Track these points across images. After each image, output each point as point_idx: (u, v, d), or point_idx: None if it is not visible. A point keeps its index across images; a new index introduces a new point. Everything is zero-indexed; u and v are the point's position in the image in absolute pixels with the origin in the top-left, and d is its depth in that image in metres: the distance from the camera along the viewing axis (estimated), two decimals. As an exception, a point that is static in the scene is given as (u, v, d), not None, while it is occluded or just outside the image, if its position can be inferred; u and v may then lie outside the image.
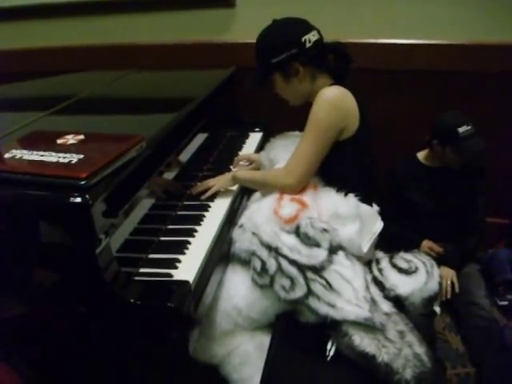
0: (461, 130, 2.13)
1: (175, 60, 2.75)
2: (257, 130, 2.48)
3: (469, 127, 2.13)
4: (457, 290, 2.14)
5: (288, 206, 1.59)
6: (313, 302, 1.42)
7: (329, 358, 1.43)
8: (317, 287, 1.43)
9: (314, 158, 1.65)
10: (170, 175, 1.76)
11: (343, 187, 1.65)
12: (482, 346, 1.97)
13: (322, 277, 1.45)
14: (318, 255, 1.48)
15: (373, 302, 1.46)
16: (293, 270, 1.44)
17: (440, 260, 2.02)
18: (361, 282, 1.50)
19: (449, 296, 2.12)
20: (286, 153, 1.77)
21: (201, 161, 2.06)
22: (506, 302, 2.20)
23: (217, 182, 1.79)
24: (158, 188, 1.65)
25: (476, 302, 2.07)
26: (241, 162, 2.07)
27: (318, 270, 1.46)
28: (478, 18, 2.39)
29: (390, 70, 2.50)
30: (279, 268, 1.45)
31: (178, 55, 2.75)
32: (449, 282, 2.15)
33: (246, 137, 2.41)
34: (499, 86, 2.43)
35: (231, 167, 2.04)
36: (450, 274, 2.17)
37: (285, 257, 1.47)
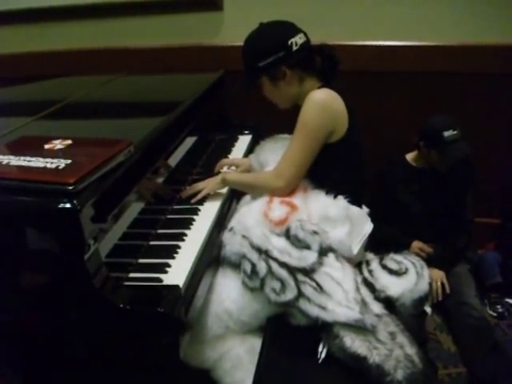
0: (446, 134, 2.14)
1: (164, 63, 2.76)
2: (246, 132, 2.47)
3: (455, 132, 2.14)
4: (447, 290, 2.15)
5: (278, 209, 1.59)
6: (303, 305, 1.42)
7: (320, 361, 1.43)
8: (307, 289, 1.43)
9: (304, 161, 1.65)
10: (159, 179, 1.75)
11: (333, 189, 1.65)
12: (473, 345, 1.98)
13: (312, 279, 1.45)
14: (308, 257, 1.48)
15: (363, 303, 1.46)
16: (283, 273, 1.44)
17: (430, 261, 2.02)
18: (351, 283, 1.50)
19: (440, 298, 2.13)
20: (275, 155, 1.76)
21: (190, 164, 2.06)
22: (500, 309, 2.23)
23: (206, 185, 1.78)
24: (148, 192, 1.64)
25: (467, 301, 2.08)
26: (224, 168, 2.05)
27: (308, 272, 1.46)
28: (465, 19, 2.42)
29: (377, 72, 2.51)
30: (269, 271, 1.45)
31: (167, 58, 2.76)
32: (439, 283, 2.15)
33: (236, 140, 2.40)
34: (486, 87, 2.45)
35: (221, 171, 2.03)
36: (439, 275, 2.18)
37: (275, 259, 1.47)
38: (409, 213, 2.33)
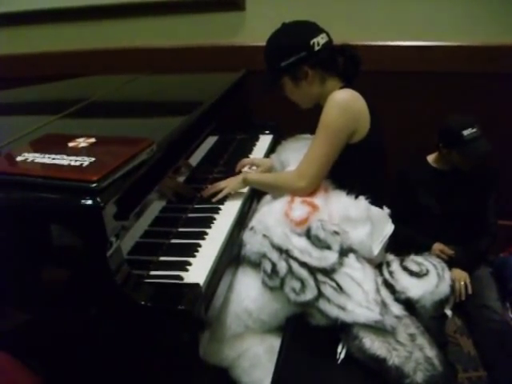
0: (465, 132, 2.12)
1: (186, 63, 2.77)
2: (267, 132, 2.48)
3: (474, 130, 2.12)
4: (470, 291, 2.12)
5: (299, 209, 1.59)
6: (323, 305, 1.42)
7: (339, 361, 1.43)
8: (327, 290, 1.43)
9: (325, 161, 1.65)
10: (180, 178, 1.77)
11: (354, 190, 1.65)
12: (495, 350, 1.95)
13: (332, 279, 1.45)
14: (329, 258, 1.48)
15: (383, 304, 1.46)
16: (303, 273, 1.44)
17: (451, 263, 2.00)
18: (371, 284, 1.49)
19: (462, 298, 2.11)
20: (297, 155, 1.77)
21: (211, 163, 2.07)
22: None
23: (228, 184, 1.79)
24: (169, 191, 1.66)
25: (488, 305, 2.06)
26: (245, 168, 2.05)
27: (328, 272, 1.46)
28: (490, 19, 2.39)
29: (400, 72, 2.50)
30: (290, 270, 1.45)
31: (189, 58, 2.77)
32: (462, 283, 2.13)
33: (257, 139, 2.41)
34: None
35: (243, 170, 2.04)
36: (462, 275, 2.16)
37: (295, 259, 1.47)
38: (430, 214, 2.31)
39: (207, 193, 1.79)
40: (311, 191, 1.65)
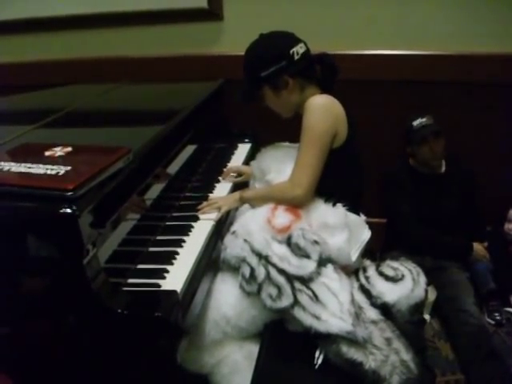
0: (415, 123, 2.21)
1: (164, 72, 2.78)
2: (246, 141, 2.50)
3: (423, 119, 2.20)
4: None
5: (282, 216, 1.60)
6: (298, 313, 1.43)
7: (317, 366, 1.44)
8: (303, 298, 1.44)
9: (316, 165, 1.63)
10: (158, 187, 1.77)
11: (332, 197, 1.67)
12: (471, 353, 1.98)
13: (309, 288, 1.46)
14: (307, 266, 1.49)
15: (356, 315, 1.46)
16: (281, 279, 1.45)
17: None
18: (346, 295, 1.50)
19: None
20: (277, 163, 1.79)
21: (190, 172, 2.07)
22: (498, 317, 2.24)
23: (225, 203, 1.78)
24: (147, 200, 1.66)
25: (465, 309, 2.09)
26: (231, 174, 2.08)
27: (305, 280, 1.47)
28: (464, 28, 2.44)
29: (375, 81, 2.53)
30: (267, 276, 1.46)
31: (168, 68, 2.78)
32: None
33: (235, 148, 2.42)
34: (484, 97, 2.47)
35: (220, 178, 2.06)
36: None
37: (274, 265, 1.48)
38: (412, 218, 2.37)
39: (204, 210, 1.76)
40: (310, 197, 1.65)
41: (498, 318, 2.25)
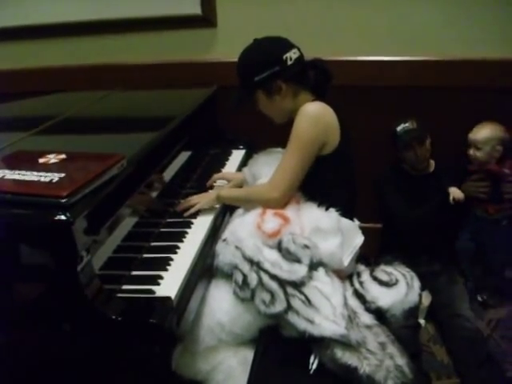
0: (398, 128, 2.24)
1: (158, 79, 2.78)
2: (240, 147, 2.50)
3: (406, 124, 2.23)
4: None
5: (271, 221, 1.60)
6: (292, 317, 1.43)
7: (311, 371, 1.44)
8: (296, 302, 1.44)
9: (297, 172, 1.66)
10: (153, 193, 1.77)
11: (325, 202, 1.67)
12: (466, 357, 1.99)
13: (301, 292, 1.46)
14: (299, 271, 1.50)
15: (350, 319, 1.47)
16: (273, 285, 1.46)
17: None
18: (339, 298, 1.50)
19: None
20: (268, 168, 1.78)
21: (184, 178, 2.08)
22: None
23: (200, 200, 1.80)
24: (141, 207, 1.66)
25: (460, 313, 2.10)
26: (218, 181, 2.07)
27: (297, 285, 1.47)
28: (454, 34, 2.45)
29: (369, 87, 2.55)
30: (260, 282, 1.46)
31: (161, 74, 2.78)
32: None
33: (229, 154, 2.43)
34: (472, 101, 2.49)
35: (207, 185, 2.06)
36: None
37: (266, 271, 1.48)
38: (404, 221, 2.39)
39: (180, 208, 1.80)
40: (284, 202, 1.67)
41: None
